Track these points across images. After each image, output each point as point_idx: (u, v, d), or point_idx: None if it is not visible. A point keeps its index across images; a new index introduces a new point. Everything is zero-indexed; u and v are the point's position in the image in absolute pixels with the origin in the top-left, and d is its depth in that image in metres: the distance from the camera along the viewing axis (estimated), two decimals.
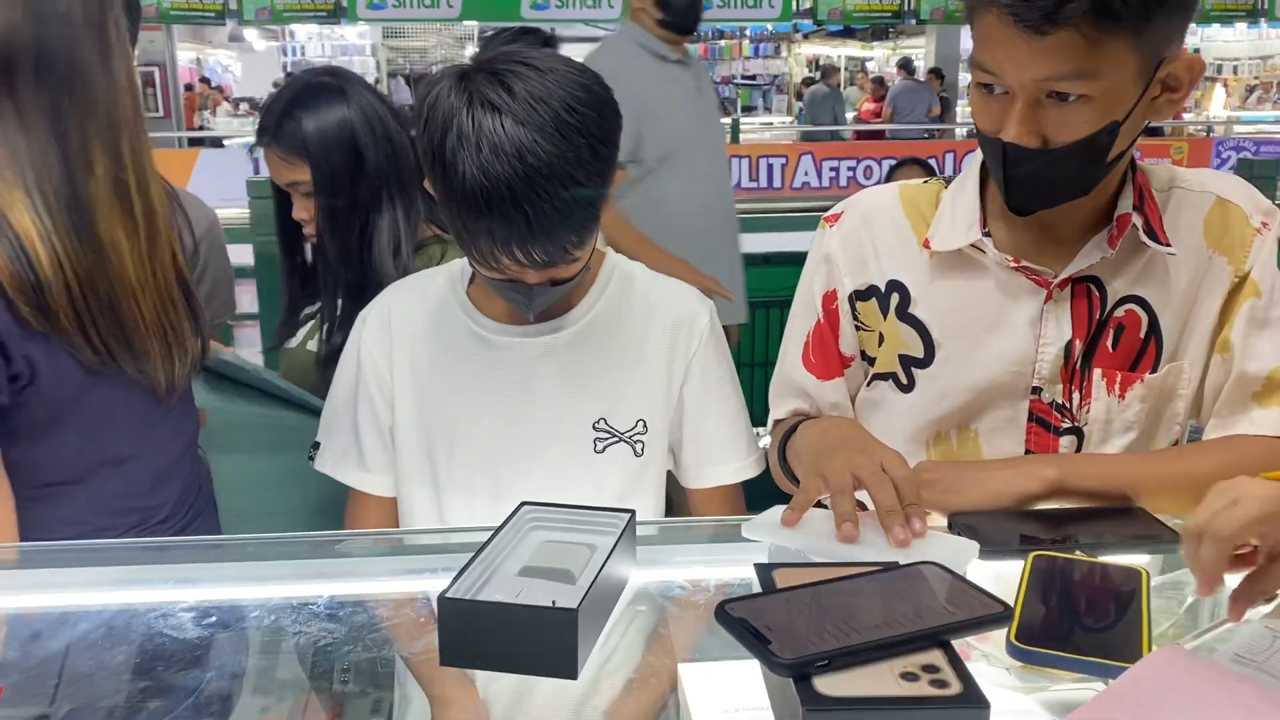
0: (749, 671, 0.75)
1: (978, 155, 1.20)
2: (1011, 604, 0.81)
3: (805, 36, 18.20)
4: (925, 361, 1.22)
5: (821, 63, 16.86)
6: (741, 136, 12.50)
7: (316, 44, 19.28)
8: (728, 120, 13.24)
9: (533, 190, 1.06)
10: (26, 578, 1.05)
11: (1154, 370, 1.18)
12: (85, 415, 1.17)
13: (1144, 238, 1.14)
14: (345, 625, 0.93)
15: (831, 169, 10.70)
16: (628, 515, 0.95)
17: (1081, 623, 0.85)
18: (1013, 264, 1.16)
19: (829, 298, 1.28)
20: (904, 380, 1.24)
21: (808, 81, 15.37)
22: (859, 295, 1.26)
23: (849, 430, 1.19)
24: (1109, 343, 1.18)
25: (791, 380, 1.32)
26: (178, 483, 1.32)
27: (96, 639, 0.92)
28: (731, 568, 1.00)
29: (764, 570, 0.83)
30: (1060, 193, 1.10)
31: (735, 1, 12.96)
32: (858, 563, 0.85)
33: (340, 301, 1.67)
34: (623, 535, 0.91)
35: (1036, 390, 1.19)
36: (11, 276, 1.09)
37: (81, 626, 0.94)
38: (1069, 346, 1.17)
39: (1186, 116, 15.16)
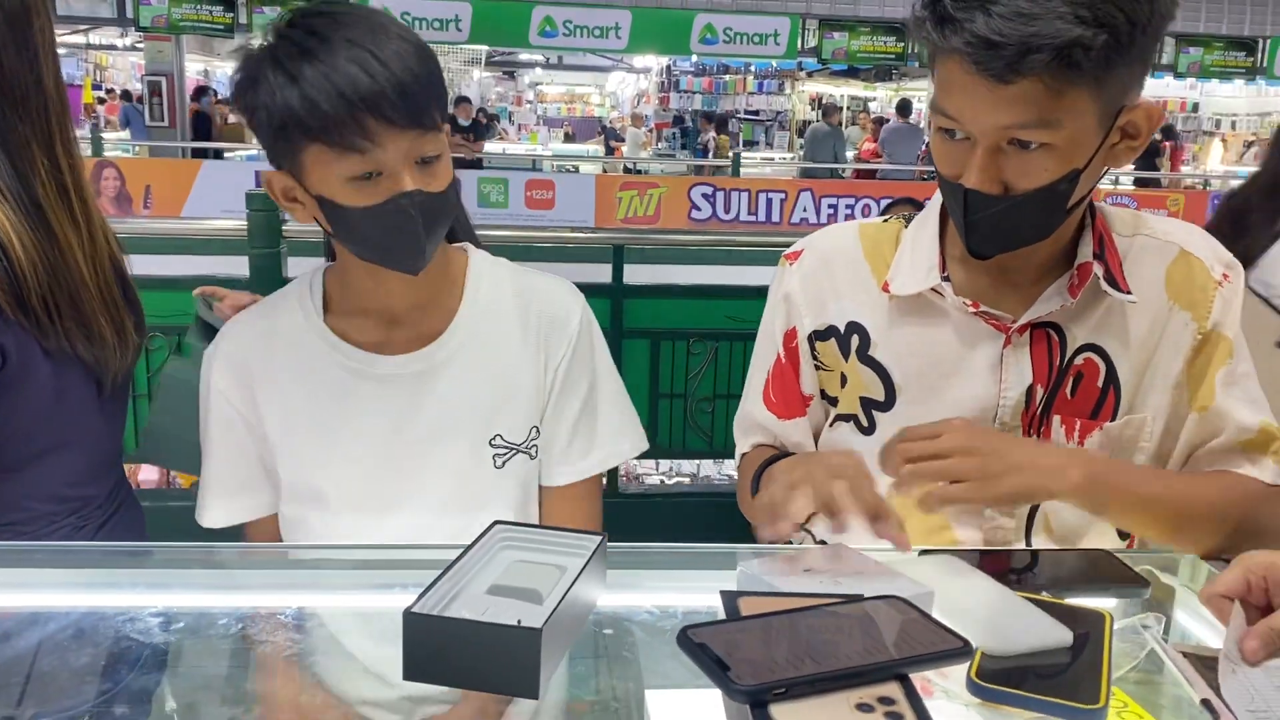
0: (715, 700, 0.75)
1: (939, 197, 1.21)
2: (972, 640, 0.81)
3: (809, 75, 18.37)
4: (886, 405, 1.22)
5: (824, 101, 16.99)
6: (742, 170, 12.60)
7: None
8: (724, 153, 13.35)
9: (374, 49, 1.07)
10: None
11: (1113, 419, 1.19)
12: (39, 402, 1.19)
13: (1105, 286, 1.15)
14: (311, 636, 0.93)
15: (830, 206, 10.78)
16: (599, 538, 0.95)
17: (1043, 663, 0.85)
18: (971, 309, 1.17)
19: (789, 336, 1.28)
20: (865, 423, 1.24)
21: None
22: (818, 335, 1.26)
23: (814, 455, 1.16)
24: (1068, 390, 1.18)
25: (753, 417, 1.32)
26: (113, 472, 1.34)
27: (64, 640, 0.92)
28: (702, 595, 1.00)
29: (729, 598, 0.84)
30: (1020, 238, 1.10)
31: (742, 38, 13.14)
32: (826, 595, 0.85)
33: None
34: (592, 558, 0.92)
35: None
36: None
37: (50, 627, 0.94)
38: (1030, 391, 1.18)
39: (1184, 169, 15.32)
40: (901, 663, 0.73)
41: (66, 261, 1.18)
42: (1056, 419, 1.18)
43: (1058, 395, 1.18)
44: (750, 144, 17.78)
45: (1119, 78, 1.01)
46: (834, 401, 1.27)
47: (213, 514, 1.28)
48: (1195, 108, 18.53)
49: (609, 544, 0.95)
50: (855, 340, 1.23)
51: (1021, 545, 1.21)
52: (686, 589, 1.06)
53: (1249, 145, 17.60)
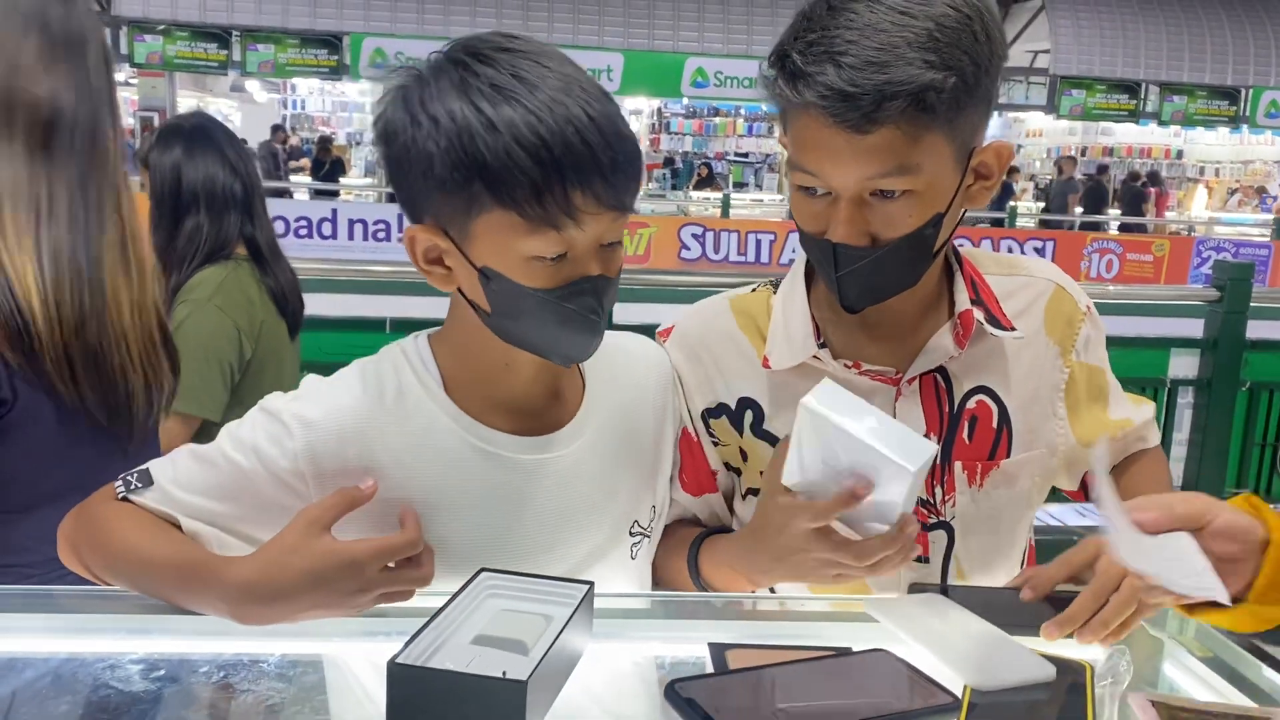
0: None
1: (801, 260, 1.21)
2: (959, 694, 0.81)
3: None
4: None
5: None
6: (732, 212, 12.70)
7: (317, 99, 19.52)
8: (718, 194, 13.46)
9: (589, 109, 0.92)
10: None
11: (1009, 456, 1.20)
12: (47, 447, 1.19)
13: (990, 329, 1.16)
14: (295, 685, 0.92)
15: None
16: (586, 587, 0.95)
17: (1027, 715, 0.85)
18: (855, 371, 1.16)
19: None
20: None
21: None
22: (710, 413, 1.23)
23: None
24: (965, 435, 1.18)
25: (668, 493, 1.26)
26: None
27: (43, 687, 0.91)
28: (689, 645, 1.00)
29: (717, 650, 0.84)
30: (890, 287, 1.10)
31: (732, 82, 13.31)
32: (810, 647, 0.85)
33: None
34: (579, 607, 0.91)
35: None
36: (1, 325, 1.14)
37: (28, 674, 0.93)
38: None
39: (1169, 215, 15.50)
40: (888, 718, 0.73)
41: (109, 316, 1.20)
42: (958, 465, 1.18)
43: (955, 441, 1.18)
44: (739, 185, 17.93)
45: (969, 119, 1.04)
46: (738, 472, 1.24)
47: (166, 496, 1.02)
48: (1179, 155, 18.81)
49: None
50: (749, 415, 1.21)
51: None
52: (674, 639, 1.05)
53: (1232, 192, 17.85)
